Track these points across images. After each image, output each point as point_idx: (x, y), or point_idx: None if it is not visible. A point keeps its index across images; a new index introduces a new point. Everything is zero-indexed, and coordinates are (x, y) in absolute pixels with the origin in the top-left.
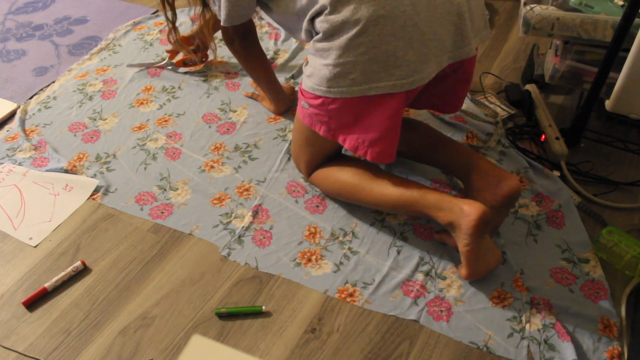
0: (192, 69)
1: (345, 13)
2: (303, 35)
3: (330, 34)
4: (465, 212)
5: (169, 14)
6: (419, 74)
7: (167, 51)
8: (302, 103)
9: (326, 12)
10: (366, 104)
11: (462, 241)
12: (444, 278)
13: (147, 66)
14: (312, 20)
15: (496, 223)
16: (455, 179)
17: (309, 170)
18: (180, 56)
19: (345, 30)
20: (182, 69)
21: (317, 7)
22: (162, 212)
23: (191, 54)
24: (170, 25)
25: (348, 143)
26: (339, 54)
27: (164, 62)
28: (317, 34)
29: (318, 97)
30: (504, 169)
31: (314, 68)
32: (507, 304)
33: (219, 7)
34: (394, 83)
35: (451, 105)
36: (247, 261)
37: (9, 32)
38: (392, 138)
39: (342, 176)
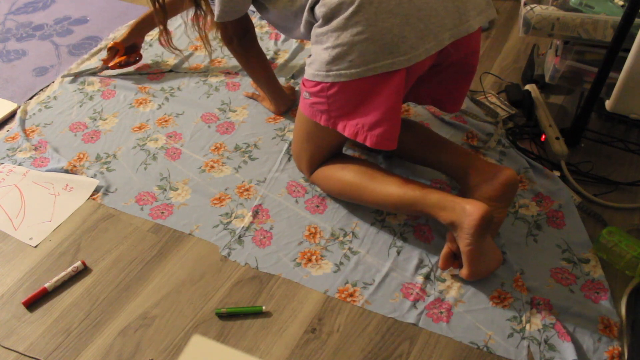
0: (126, 69)
1: None
2: (302, 29)
3: (329, 18)
4: (468, 211)
5: (160, 15)
6: (416, 50)
7: (102, 59)
8: (303, 94)
9: (319, 3)
10: (365, 87)
11: (463, 241)
12: (443, 280)
13: (83, 74)
14: (311, 9)
15: (496, 221)
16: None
17: (311, 168)
18: (115, 59)
19: (342, 11)
20: (116, 71)
21: None
22: (162, 212)
23: (175, 51)
24: (162, 27)
25: (348, 130)
26: (336, 35)
27: (99, 67)
28: (316, 21)
29: (318, 83)
30: (500, 164)
31: (315, 54)
32: (507, 304)
33: (215, 2)
34: (392, 61)
35: (453, 100)
36: (247, 261)
37: (9, 32)
38: (392, 120)
39: (344, 175)
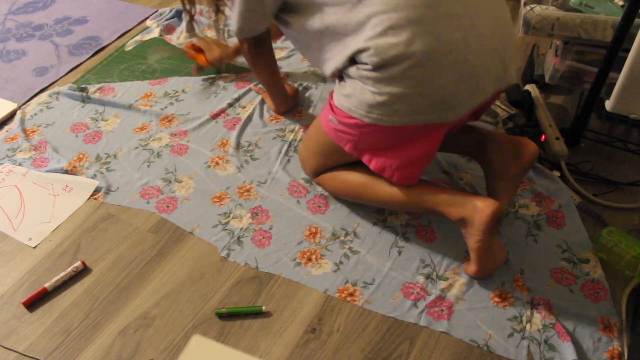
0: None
1: (398, 47)
2: (325, 56)
3: (380, 66)
4: (479, 208)
5: (188, 5)
6: (465, 105)
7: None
8: (330, 117)
9: (370, 51)
10: (404, 133)
11: (473, 237)
12: (446, 279)
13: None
14: (356, 54)
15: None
16: (468, 161)
17: (316, 174)
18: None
19: (397, 63)
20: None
21: (359, 47)
22: (168, 206)
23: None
24: (189, 16)
25: (374, 164)
26: (387, 84)
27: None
28: (360, 63)
29: (353, 118)
30: (516, 136)
31: (354, 90)
32: (508, 303)
33: (233, 17)
34: (439, 115)
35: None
36: (246, 261)
37: (9, 32)
38: (422, 165)
39: (350, 176)
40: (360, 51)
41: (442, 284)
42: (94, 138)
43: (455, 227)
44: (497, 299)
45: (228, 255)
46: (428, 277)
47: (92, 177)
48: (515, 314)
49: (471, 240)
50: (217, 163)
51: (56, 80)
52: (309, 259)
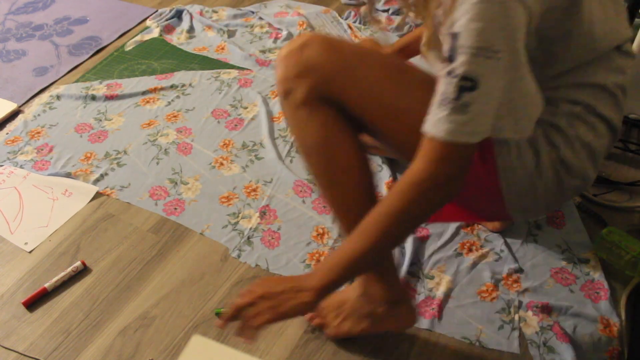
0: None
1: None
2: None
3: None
4: (402, 316)
5: None
6: None
7: None
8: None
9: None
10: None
11: (373, 315)
12: (432, 277)
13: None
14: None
15: None
16: None
17: (313, 95)
18: None
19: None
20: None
21: (559, 124)
22: (175, 209)
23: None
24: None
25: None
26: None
27: None
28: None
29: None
30: None
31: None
32: (495, 296)
33: (475, 109)
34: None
35: None
36: (257, 262)
37: (9, 32)
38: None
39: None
40: (556, 126)
41: (430, 283)
42: (99, 137)
43: (448, 224)
44: (484, 294)
45: (239, 255)
46: (415, 275)
47: (103, 175)
48: (503, 306)
49: (369, 311)
50: (221, 163)
51: (56, 80)
52: (318, 261)
